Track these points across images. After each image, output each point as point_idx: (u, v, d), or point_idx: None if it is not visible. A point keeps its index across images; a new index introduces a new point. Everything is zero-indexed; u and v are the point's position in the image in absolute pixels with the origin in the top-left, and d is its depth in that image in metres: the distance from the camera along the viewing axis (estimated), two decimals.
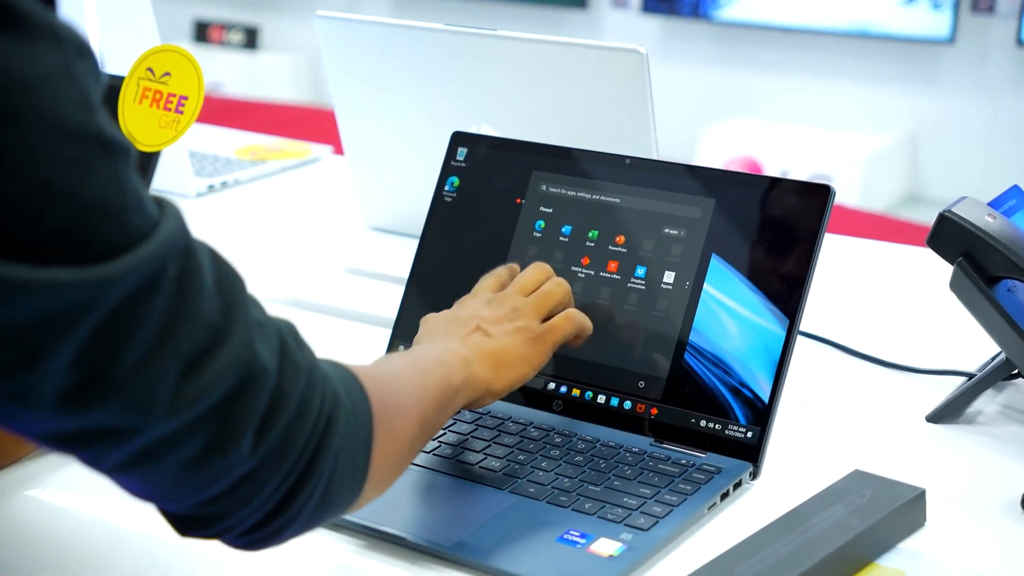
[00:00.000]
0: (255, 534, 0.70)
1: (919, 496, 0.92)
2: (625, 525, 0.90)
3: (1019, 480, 0.97)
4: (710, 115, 4.60)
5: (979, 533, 0.92)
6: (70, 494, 0.98)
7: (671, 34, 4.70)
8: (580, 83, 1.31)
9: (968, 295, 1.03)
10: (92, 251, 0.58)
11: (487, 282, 1.00)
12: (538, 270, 1.00)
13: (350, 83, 1.46)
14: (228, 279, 0.66)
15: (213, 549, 0.92)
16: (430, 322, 0.97)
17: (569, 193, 1.10)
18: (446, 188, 1.16)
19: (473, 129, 1.37)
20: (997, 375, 1.06)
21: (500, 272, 1.02)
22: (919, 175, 4.49)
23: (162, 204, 0.63)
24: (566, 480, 0.96)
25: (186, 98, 1.29)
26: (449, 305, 1.00)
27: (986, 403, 1.11)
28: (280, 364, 0.67)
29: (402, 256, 1.40)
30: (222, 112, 3.27)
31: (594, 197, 1.09)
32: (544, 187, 1.11)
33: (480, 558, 0.87)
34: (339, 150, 1.89)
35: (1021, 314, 1.02)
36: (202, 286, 0.63)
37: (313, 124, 3.31)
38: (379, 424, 0.75)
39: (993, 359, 1.10)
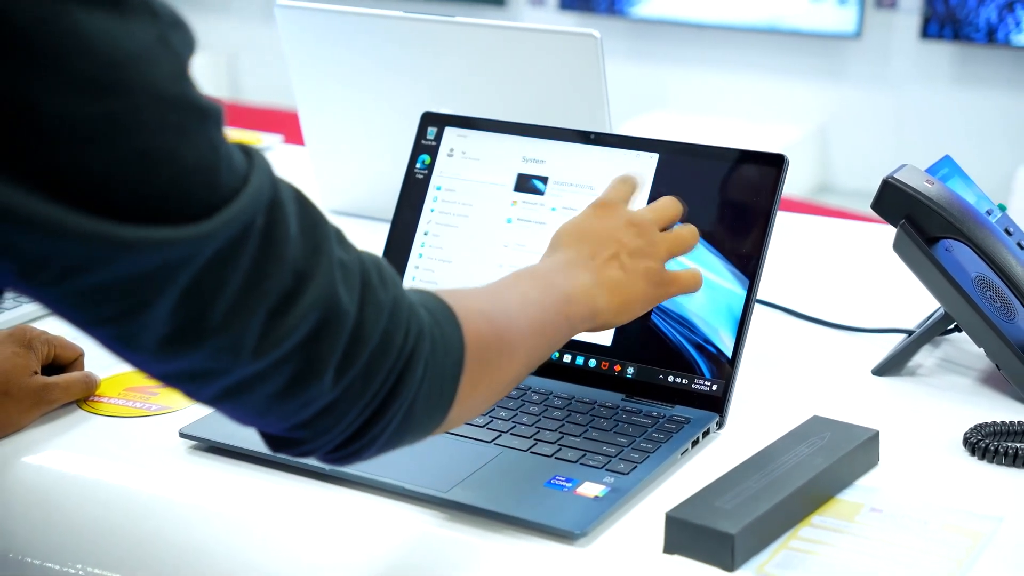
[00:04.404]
0: (338, 453, 0.75)
1: (873, 437, 1.00)
2: (606, 470, 0.97)
3: (959, 422, 1.05)
4: (627, 110, 4.69)
5: (927, 469, 1.00)
6: (68, 459, 1.02)
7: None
8: (537, 67, 1.38)
9: (910, 255, 1.12)
10: (189, 211, 0.62)
11: (620, 190, 0.99)
12: (675, 206, 1.00)
13: (309, 69, 1.51)
14: (312, 223, 0.69)
15: (218, 511, 0.97)
16: (566, 228, 0.97)
17: (537, 164, 1.17)
18: (417, 166, 1.22)
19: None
20: (935, 330, 1.15)
21: (627, 181, 1.00)
22: (829, 165, 4.64)
23: (250, 154, 0.67)
24: (547, 433, 1.02)
25: None
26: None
27: (925, 357, 1.20)
28: (361, 303, 0.71)
29: (365, 236, 1.45)
30: None
31: (560, 169, 1.16)
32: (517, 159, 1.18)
33: (475, 502, 0.93)
34: (289, 140, 1.94)
35: (958, 271, 1.11)
36: (287, 233, 0.67)
37: (242, 120, 3.33)
38: (472, 354, 0.78)
39: (931, 316, 1.19)
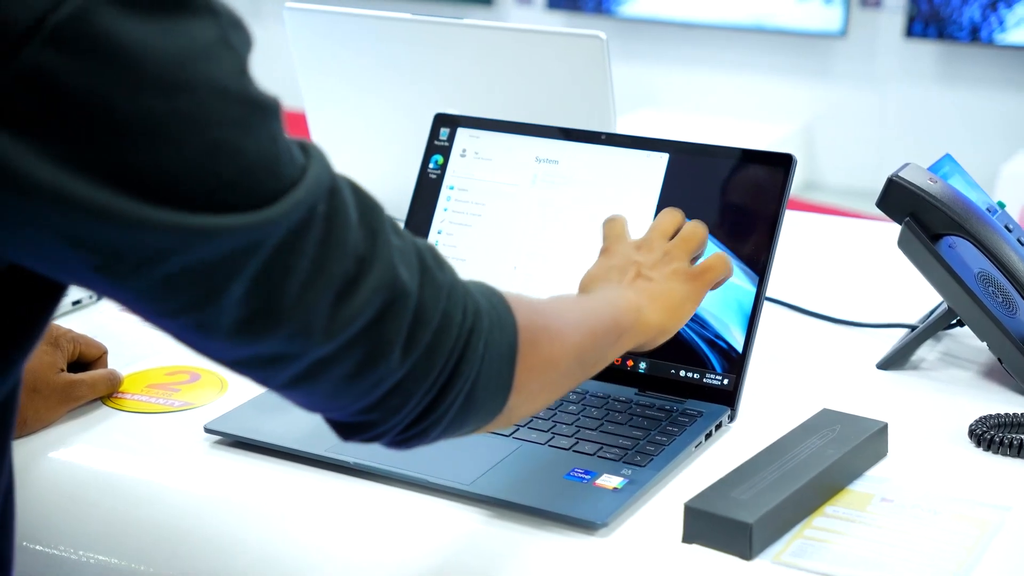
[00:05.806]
0: (407, 433, 0.77)
1: (882, 429, 1.03)
2: (624, 463, 0.99)
3: (963, 414, 1.08)
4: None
5: (934, 460, 1.03)
6: (94, 454, 1.04)
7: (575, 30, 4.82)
8: (543, 68, 1.40)
9: (914, 251, 1.14)
10: (255, 199, 0.65)
11: (614, 228, 1.03)
12: (672, 214, 1.04)
13: (317, 71, 1.53)
14: (369, 210, 0.72)
15: (242, 505, 0.99)
16: (586, 276, 1.01)
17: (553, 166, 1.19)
18: (430, 166, 1.24)
19: None
20: (938, 324, 1.18)
21: (615, 220, 1.04)
22: (815, 163, 4.68)
23: (307, 149, 0.70)
24: (563, 427, 1.04)
25: None
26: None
27: (928, 351, 1.23)
28: (420, 283, 0.73)
29: None
30: None
31: (574, 169, 1.19)
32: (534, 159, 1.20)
33: (498, 494, 0.95)
34: None
35: (961, 267, 1.14)
36: (347, 219, 0.69)
37: None
38: (525, 338, 0.80)
39: (933, 311, 1.22)
